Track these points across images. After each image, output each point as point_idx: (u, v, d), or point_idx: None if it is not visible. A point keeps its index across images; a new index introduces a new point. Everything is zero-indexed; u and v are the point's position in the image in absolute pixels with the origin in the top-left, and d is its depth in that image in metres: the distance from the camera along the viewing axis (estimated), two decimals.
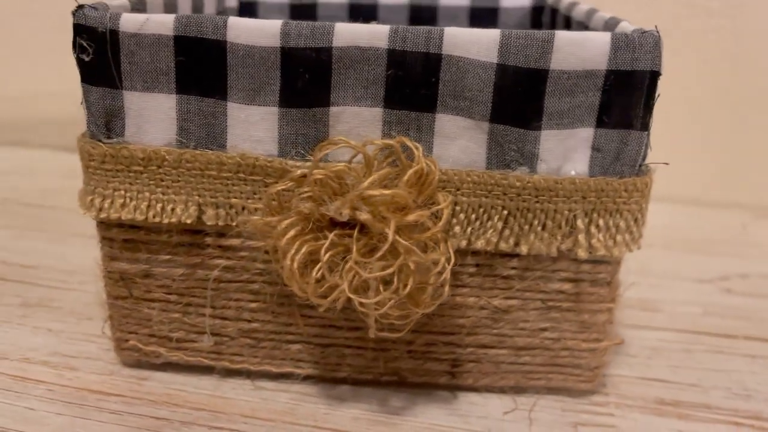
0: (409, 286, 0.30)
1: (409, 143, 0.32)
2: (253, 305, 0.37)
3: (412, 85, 0.32)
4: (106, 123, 0.34)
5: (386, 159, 0.32)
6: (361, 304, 0.31)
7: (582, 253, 0.34)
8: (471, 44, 0.32)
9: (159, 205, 0.35)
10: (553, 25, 0.54)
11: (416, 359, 0.38)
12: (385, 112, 0.33)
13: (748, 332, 0.45)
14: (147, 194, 0.35)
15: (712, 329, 0.46)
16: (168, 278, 0.37)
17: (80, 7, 0.33)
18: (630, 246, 0.35)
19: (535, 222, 0.34)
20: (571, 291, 0.36)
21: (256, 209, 0.35)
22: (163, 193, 0.35)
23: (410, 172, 0.31)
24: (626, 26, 0.36)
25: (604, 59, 0.31)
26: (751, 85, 0.65)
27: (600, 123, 0.33)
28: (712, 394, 0.39)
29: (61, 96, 0.78)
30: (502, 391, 0.39)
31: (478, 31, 0.32)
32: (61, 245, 0.55)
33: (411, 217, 0.30)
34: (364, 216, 0.30)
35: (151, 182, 0.35)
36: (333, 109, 0.33)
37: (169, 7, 0.43)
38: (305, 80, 0.32)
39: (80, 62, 0.33)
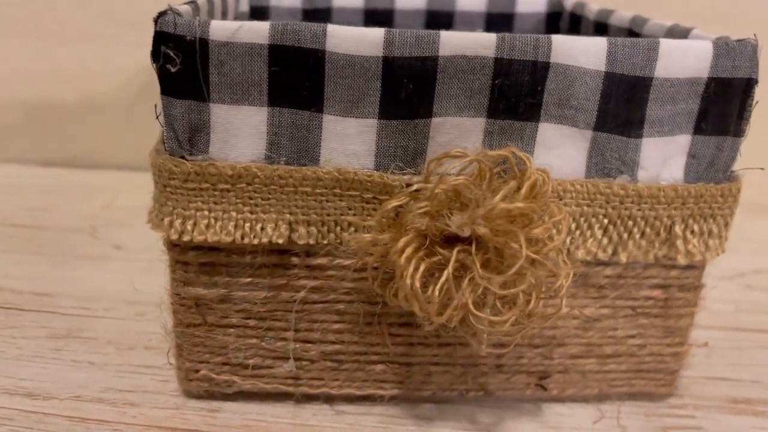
0: (533, 301, 0.30)
1: (519, 153, 0.31)
2: (338, 326, 0.35)
3: (518, 94, 0.31)
4: (189, 139, 0.32)
5: (493, 170, 0.32)
6: (483, 320, 0.30)
7: (681, 259, 0.34)
8: (579, 52, 0.31)
9: (247, 225, 0.32)
10: (575, 32, 0.55)
11: (505, 373, 0.37)
12: (487, 122, 0.32)
13: None
14: (234, 214, 0.32)
15: (751, 325, 0.47)
16: (248, 302, 0.35)
17: (163, 13, 0.30)
18: (718, 250, 0.35)
19: (635, 230, 0.34)
20: (660, 297, 0.36)
21: (349, 225, 0.33)
22: (251, 212, 0.32)
23: (528, 183, 0.30)
24: (699, 33, 0.36)
25: (706, 67, 0.32)
26: None
27: (698, 130, 0.33)
28: None
29: (32, 106, 0.73)
30: (584, 400, 0.38)
31: (586, 39, 0.31)
32: (68, 269, 0.51)
33: (537, 230, 0.29)
34: (482, 230, 0.29)
35: (239, 201, 0.32)
36: (435, 120, 0.32)
37: (210, 14, 0.41)
38: (408, 90, 0.31)
39: (164, 73, 0.30)
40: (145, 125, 0.65)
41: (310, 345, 0.36)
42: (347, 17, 0.57)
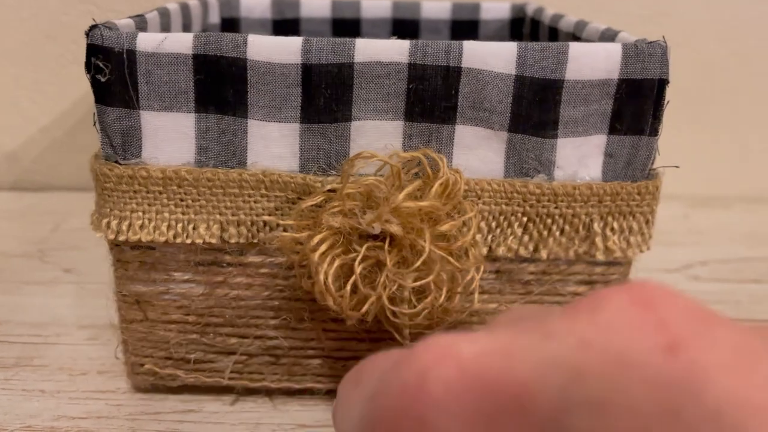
0: (443, 296, 0.31)
1: (433, 155, 0.32)
2: (274, 322, 0.37)
3: (433, 97, 0.33)
4: (122, 144, 0.34)
5: (409, 171, 0.33)
6: (395, 314, 0.31)
7: (600, 255, 0.35)
8: (490, 57, 0.32)
9: (179, 225, 0.34)
10: (534, 37, 0.56)
11: None
12: (405, 125, 0.33)
13: (736, 315, 0.47)
14: (166, 215, 0.34)
15: None
16: (187, 298, 0.36)
17: (94, 26, 0.32)
18: (641, 247, 0.36)
19: (554, 227, 0.35)
20: (586, 293, 0.37)
21: (278, 225, 0.35)
22: (183, 213, 0.34)
23: (438, 182, 0.31)
24: (626, 36, 0.37)
25: (616, 68, 0.33)
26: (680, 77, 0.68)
27: (612, 130, 0.34)
28: None
29: None
30: None
31: (496, 44, 0.32)
32: (18, 296, 0.51)
33: (444, 227, 0.31)
34: (394, 228, 0.31)
35: (171, 202, 0.34)
36: (354, 124, 0.33)
37: (165, 26, 0.43)
38: (327, 96, 0.33)
39: (95, 83, 0.32)
40: (89, 145, 0.65)
41: (247, 340, 0.37)
42: (316, 27, 0.59)
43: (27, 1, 0.65)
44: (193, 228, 0.34)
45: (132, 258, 0.36)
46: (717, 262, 0.56)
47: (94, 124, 0.34)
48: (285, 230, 0.34)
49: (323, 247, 0.31)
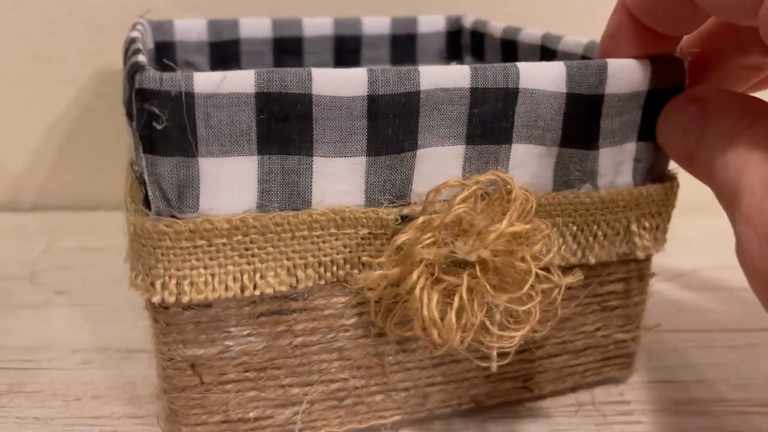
0: (538, 313, 0.32)
1: (503, 176, 0.33)
2: (337, 364, 0.35)
3: (492, 119, 0.33)
4: (178, 196, 0.30)
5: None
6: (495, 337, 0.31)
7: (640, 254, 0.38)
8: (543, 77, 0.34)
9: (246, 277, 0.32)
10: (478, 49, 0.58)
11: (492, 382, 0.39)
12: (466, 148, 0.34)
13: (722, 325, 0.50)
14: (230, 267, 0.31)
15: (689, 326, 0.50)
16: (247, 354, 0.34)
17: (141, 68, 0.29)
18: (663, 243, 0.39)
19: (599, 232, 0.37)
20: (621, 289, 0.40)
21: (344, 262, 0.33)
22: (248, 263, 0.32)
23: (517, 203, 0.32)
24: None
25: (646, 81, 0.35)
26: None
27: (640, 137, 0.37)
28: (720, 387, 0.43)
29: None
30: (561, 393, 0.41)
31: (548, 65, 0.34)
32: (8, 319, 0.49)
33: (537, 247, 0.31)
34: (485, 253, 0.31)
35: (234, 253, 0.31)
36: (419, 152, 0.33)
37: None
38: (395, 126, 0.32)
39: (148, 132, 0.29)
40: (78, 164, 0.68)
41: (311, 387, 0.35)
42: (256, 47, 0.56)
43: (14, 21, 0.64)
44: (260, 277, 0.32)
45: (185, 320, 0.32)
46: (707, 270, 0.58)
47: (139, 176, 0.30)
48: (360, 267, 0.33)
49: (422, 282, 0.30)
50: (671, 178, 0.39)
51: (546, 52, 0.48)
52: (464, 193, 0.31)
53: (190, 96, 0.29)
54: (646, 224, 0.38)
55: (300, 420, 0.36)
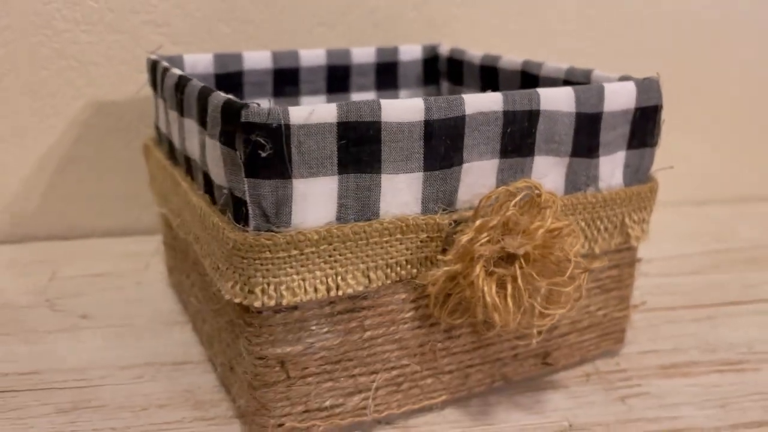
0: (582, 294, 0.38)
1: (532, 183, 0.40)
2: (397, 353, 0.41)
3: (520, 136, 0.40)
4: (276, 213, 0.35)
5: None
6: (545, 317, 0.38)
7: (634, 242, 0.46)
8: (558, 100, 0.41)
9: (329, 280, 0.37)
10: (456, 74, 0.65)
11: (519, 360, 0.45)
12: (500, 161, 0.40)
13: (682, 302, 0.58)
14: (318, 273, 0.36)
15: (658, 305, 0.58)
16: (326, 349, 0.38)
17: (245, 105, 0.33)
18: (647, 233, 0.47)
19: (602, 227, 0.44)
20: (616, 274, 0.47)
21: (406, 262, 0.39)
22: (331, 268, 0.37)
23: (556, 205, 0.39)
24: (599, 74, 0.48)
25: (633, 100, 0.43)
26: None
27: (629, 146, 0.44)
28: (692, 353, 0.51)
29: None
30: (570, 367, 0.48)
31: (562, 90, 0.41)
32: (44, 345, 0.51)
33: (569, 239, 0.38)
34: (529, 247, 0.37)
35: (320, 260, 0.36)
36: (464, 166, 0.39)
37: None
38: (447, 145, 0.38)
39: (253, 159, 0.34)
40: (68, 194, 0.71)
41: (377, 375, 0.41)
42: (258, 78, 0.61)
43: (7, 57, 0.65)
44: (341, 279, 0.37)
45: (276, 322, 0.37)
46: (662, 259, 0.67)
47: (234, 197, 0.35)
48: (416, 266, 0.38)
49: (483, 273, 0.37)
50: (652, 179, 0.47)
51: (527, 77, 0.55)
52: (516, 198, 0.37)
53: (287, 127, 0.34)
54: (636, 217, 0.46)
55: (363, 405, 0.41)
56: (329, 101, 0.65)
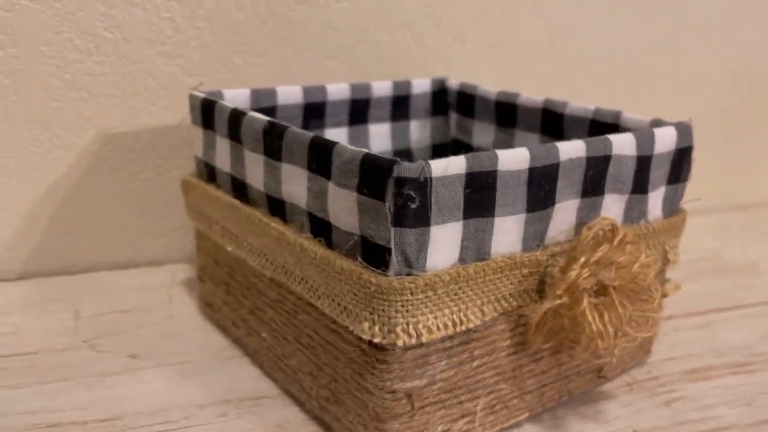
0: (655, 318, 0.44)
1: (609, 219, 0.45)
2: (494, 378, 0.44)
3: (596, 178, 0.45)
4: (417, 258, 0.38)
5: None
6: (629, 339, 0.43)
7: (671, 266, 0.52)
8: (624, 145, 0.46)
9: (455, 316, 0.40)
10: (467, 107, 0.69)
11: (582, 375, 0.50)
12: (580, 201, 0.45)
13: (678, 312, 0.66)
14: (446, 311, 0.39)
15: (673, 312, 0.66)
16: (443, 380, 0.41)
17: (397, 161, 0.36)
18: (678, 256, 0.54)
19: (649, 252, 0.50)
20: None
21: (510, 296, 0.43)
22: (456, 305, 0.40)
23: (630, 238, 0.44)
24: (628, 116, 0.54)
25: (674, 142, 0.50)
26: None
27: (668, 182, 0.51)
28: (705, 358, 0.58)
29: None
30: (615, 377, 0.54)
31: (626, 136, 0.46)
32: (106, 388, 0.51)
33: (651, 270, 0.43)
34: (616, 280, 0.42)
35: (448, 299, 0.39)
36: (556, 206, 0.43)
37: None
38: (545, 189, 0.42)
39: (403, 210, 0.36)
40: (72, 228, 0.70)
41: (478, 400, 0.44)
42: (290, 112, 0.62)
43: (14, 87, 0.64)
44: (464, 316, 0.40)
45: (407, 358, 0.39)
46: None
47: (375, 243, 0.37)
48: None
49: (589, 305, 0.41)
50: (683, 210, 0.53)
51: (549, 115, 0.61)
52: (619, 236, 0.42)
53: (430, 180, 0.37)
54: (671, 244, 0.52)
55: (464, 429, 0.44)
56: (350, 133, 0.67)
